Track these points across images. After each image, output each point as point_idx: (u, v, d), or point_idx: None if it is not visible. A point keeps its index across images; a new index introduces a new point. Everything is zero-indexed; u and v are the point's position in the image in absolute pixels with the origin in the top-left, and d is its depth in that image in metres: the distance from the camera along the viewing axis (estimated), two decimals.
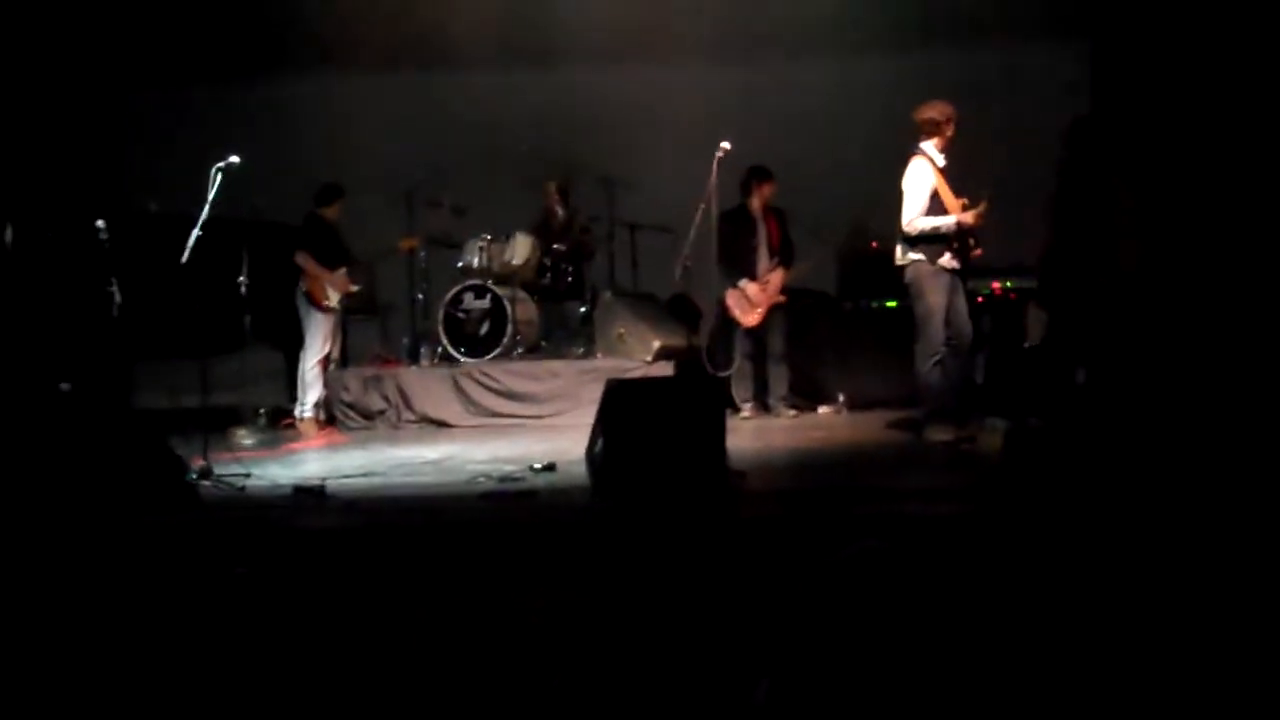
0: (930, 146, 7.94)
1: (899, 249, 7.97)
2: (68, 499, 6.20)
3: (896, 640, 4.11)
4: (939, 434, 7.89)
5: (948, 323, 7.90)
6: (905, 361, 9.61)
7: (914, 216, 7.79)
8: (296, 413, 9.92)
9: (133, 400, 9.81)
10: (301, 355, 9.96)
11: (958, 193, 7.86)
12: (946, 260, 7.83)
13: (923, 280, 7.84)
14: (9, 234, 9.57)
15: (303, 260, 9.83)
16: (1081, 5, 10.47)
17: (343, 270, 9.98)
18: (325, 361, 10.01)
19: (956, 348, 7.98)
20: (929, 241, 7.80)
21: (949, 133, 7.92)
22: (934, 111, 7.91)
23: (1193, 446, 6.34)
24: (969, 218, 7.74)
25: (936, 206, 7.80)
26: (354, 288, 10.10)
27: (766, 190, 9.75)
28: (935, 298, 7.82)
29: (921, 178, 7.83)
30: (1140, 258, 8.52)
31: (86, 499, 6.23)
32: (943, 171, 7.89)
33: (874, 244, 9.84)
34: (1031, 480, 6.20)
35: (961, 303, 7.96)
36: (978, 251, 7.98)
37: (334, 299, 9.95)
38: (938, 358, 7.86)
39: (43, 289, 9.67)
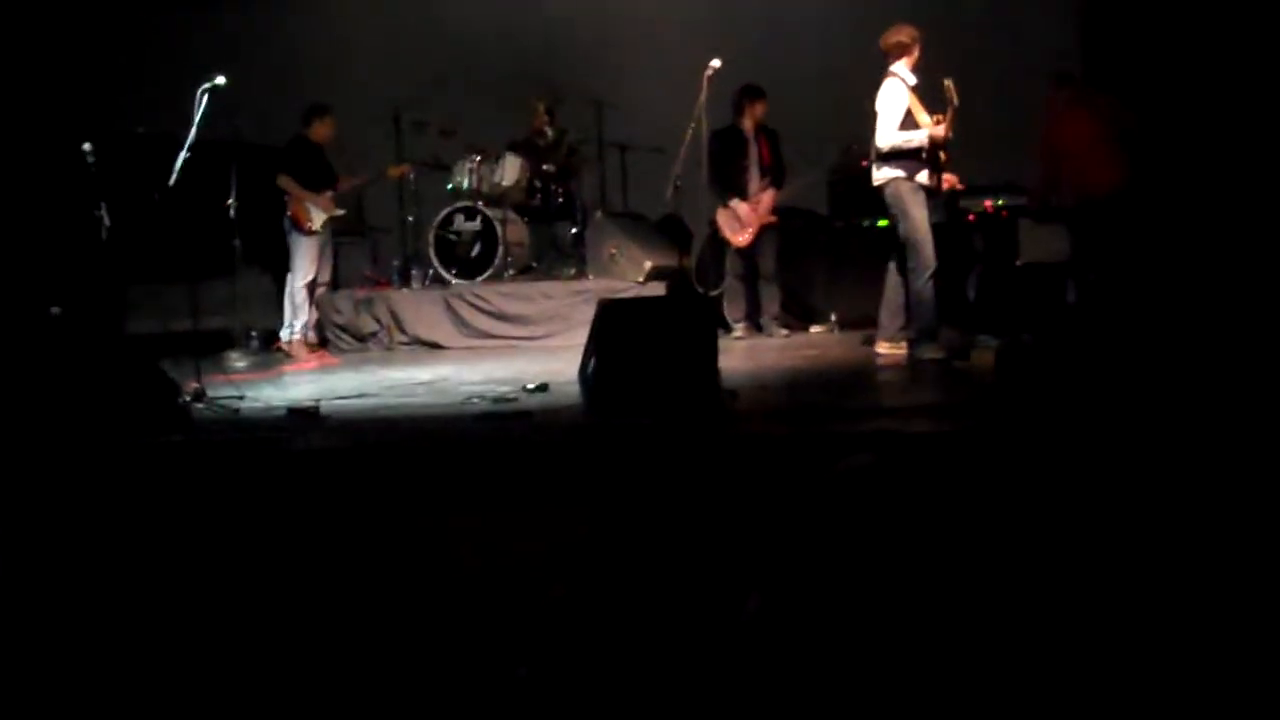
0: (901, 67, 7.99)
1: (875, 169, 8.05)
2: (61, 424, 6.21)
3: (889, 555, 4.15)
4: (930, 352, 7.90)
5: None
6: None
7: (886, 133, 7.87)
8: (283, 335, 9.88)
9: (124, 324, 9.77)
10: (288, 278, 9.91)
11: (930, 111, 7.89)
12: (924, 177, 7.90)
13: (903, 197, 7.89)
14: None
15: (285, 183, 9.74)
16: None
17: (328, 193, 9.88)
18: (313, 284, 9.95)
19: None
20: (905, 158, 7.87)
21: (916, 53, 7.99)
22: (901, 35, 8.00)
23: (1184, 362, 6.36)
24: (940, 130, 7.77)
25: (910, 126, 7.86)
26: (338, 211, 9.97)
27: (758, 109, 9.69)
28: (919, 211, 7.87)
29: (895, 97, 7.90)
30: (1130, 175, 8.50)
31: (80, 423, 6.23)
32: (914, 90, 7.94)
33: (864, 162, 9.79)
34: (1024, 396, 6.23)
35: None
36: (949, 181, 8.09)
37: (318, 221, 9.84)
38: (931, 272, 7.86)
39: (30, 213, 9.62)
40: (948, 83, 7.65)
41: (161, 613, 3.94)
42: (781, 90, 9.72)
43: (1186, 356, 6.43)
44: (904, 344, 8.02)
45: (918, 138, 7.83)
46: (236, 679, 3.39)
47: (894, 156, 7.89)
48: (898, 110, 7.87)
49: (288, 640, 3.69)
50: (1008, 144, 10.51)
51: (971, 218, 9.97)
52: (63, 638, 3.76)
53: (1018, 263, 9.48)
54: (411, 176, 10.66)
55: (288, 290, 9.92)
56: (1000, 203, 9.92)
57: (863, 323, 8.78)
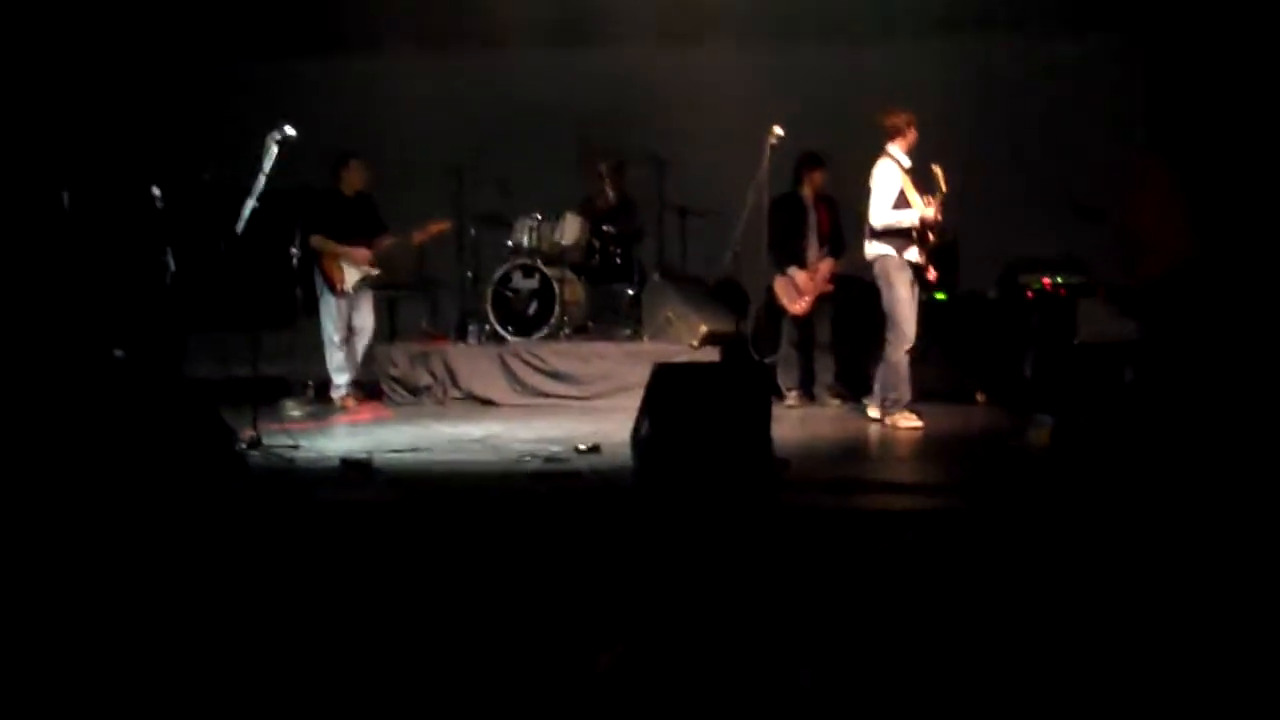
0: (896, 149, 8.50)
1: (867, 244, 8.56)
2: (119, 466, 6.27)
3: (933, 630, 4.12)
4: (906, 421, 8.41)
5: None
6: (953, 354, 9.69)
7: (879, 211, 8.37)
8: (332, 393, 9.93)
9: (185, 369, 9.88)
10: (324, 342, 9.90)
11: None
12: (912, 254, 8.41)
13: (890, 272, 8.39)
14: (66, 199, 9.66)
15: (318, 243, 9.71)
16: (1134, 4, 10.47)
17: (363, 250, 9.84)
18: (347, 340, 9.91)
19: None
20: (894, 236, 8.38)
21: (911, 136, 8.49)
22: (897, 119, 8.50)
23: (1236, 447, 6.31)
24: (930, 212, 8.26)
25: (903, 205, 8.35)
26: (373, 270, 9.89)
27: (818, 177, 9.73)
28: (903, 289, 8.38)
29: (888, 178, 8.40)
30: (1190, 257, 8.49)
31: (137, 466, 6.29)
32: (909, 172, 8.42)
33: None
34: (1078, 476, 6.19)
35: (916, 304, 8.47)
36: (932, 277, 8.59)
37: (350, 281, 9.80)
38: (909, 346, 8.38)
39: (98, 255, 9.75)
40: (936, 169, 8.27)
41: (204, 657, 3.96)
42: (843, 159, 9.74)
43: (1244, 440, 6.38)
44: (911, 414, 8.46)
45: (909, 218, 8.33)
46: None
47: (885, 234, 8.40)
48: (891, 190, 8.38)
49: (322, 689, 3.69)
50: (1068, 220, 10.53)
51: (1030, 295, 9.94)
52: (106, 677, 3.79)
53: (1075, 341, 9.44)
54: (473, 232, 10.71)
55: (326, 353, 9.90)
56: (1059, 280, 9.89)
57: (919, 396, 8.76)
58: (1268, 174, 9.30)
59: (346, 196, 9.99)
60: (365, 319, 10.04)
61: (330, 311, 9.85)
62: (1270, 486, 5.74)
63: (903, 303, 8.37)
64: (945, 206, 8.34)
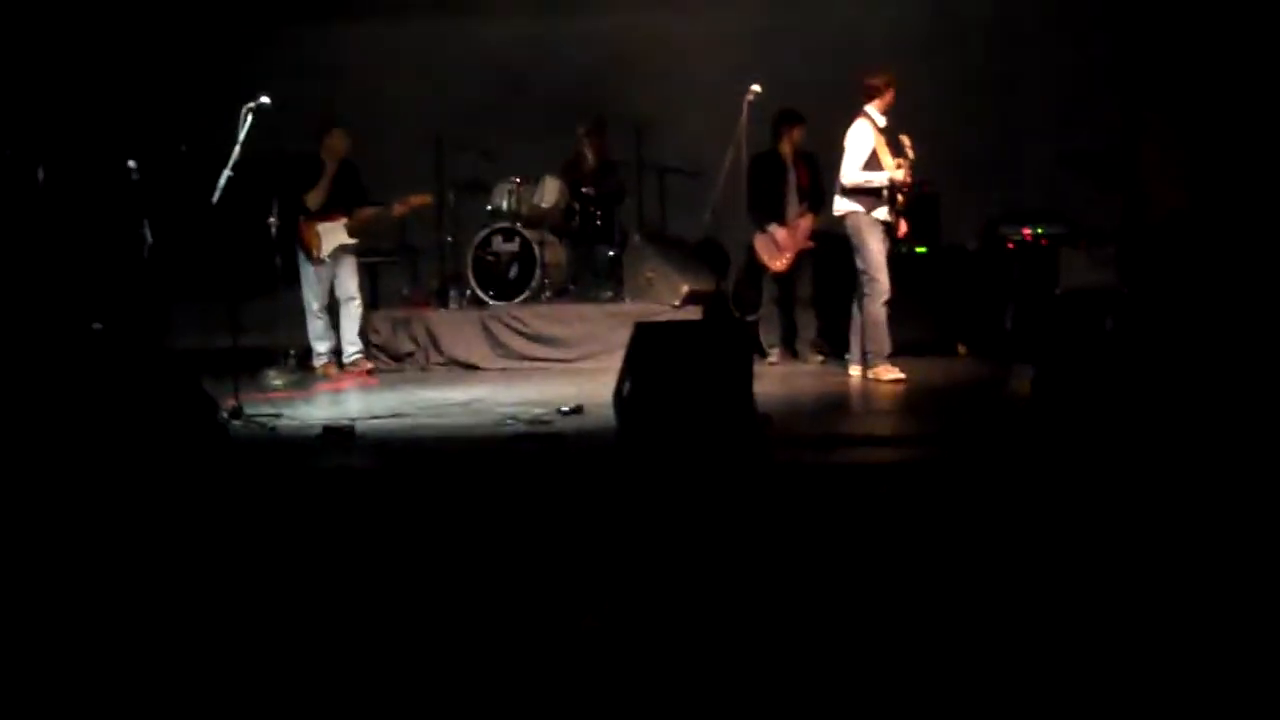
0: (873, 109, 8.59)
1: (837, 201, 8.70)
2: (100, 438, 6.26)
3: (914, 585, 4.15)
4: (889, 373, 8.48)
5: None
6: (934, 306, 9.70)
7: (850, 171, 8.50)
8: (314, 361, 9.90)
9: (165, 340, 9.85)
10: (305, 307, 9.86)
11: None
12: (881, 213, 8.52)
13: (862, 229, 8.52)
14: (41, 174, 9.61)
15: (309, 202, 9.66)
16: None
17: (340, 219, 9.75)
18: (329, 308, 9.86)
19: None
20: (865, 194, 8.51)
21: (888, 96, 8.58)
22: (876, 78, 8.60)
23: (1220, 396, 6.33)
24: (900, 174, 8.40)
25: (874, 165, 8.46)
26: (350, 240, 9.78)
27: (797, 134, 9.70)
28: (875, 244, 8.50)
29: (862, 137, 8.51)
30: (1173, 207, 8.54)
31: (118, 438, 6.28)
32: (883, 132, 8.51)
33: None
34: (1059, 425, 6.21)
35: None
36: (902, 232, 8.71)
37: (327, 249, 9.72)
38: (885, 298, 8.47)
39: (75, 229, 9.71)
40: (904, 138, 8.44)
41: (186, 627, 3.96)
42: (821, 115, 9.71)
43: (1225, 383, 6.40)
44: (893, 366, 8.55)
45: (879, 179, 8.46)
46: (255, 695, 3.41)
47: (856, 192, 8.54)
48: (864, 150, 8.50)
49: (309, 656, 3.70)
50: (1048, 172, 10.55)
51: (1010, 246, 9.95)
52: (85, 652, 3.79)
53: (1056, 291, 9.46)
54: (452, 196, 10.67)
55: (306, 318, 9.87)
56: (1040, 231, 9.91)
57: (900, 349, 8.78)
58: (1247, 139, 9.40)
59: (327, 164, 9.92)
60: (348, 287, 9.90)
61: (309, 279, 9.79)
62: (1251, 437, 5.76)
63: (874, 254, 8.48)
64: (914, 170, 8.46)
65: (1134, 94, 10.11)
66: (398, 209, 10.01)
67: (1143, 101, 9.52)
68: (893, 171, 8.40)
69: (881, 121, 8.55)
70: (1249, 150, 9.38)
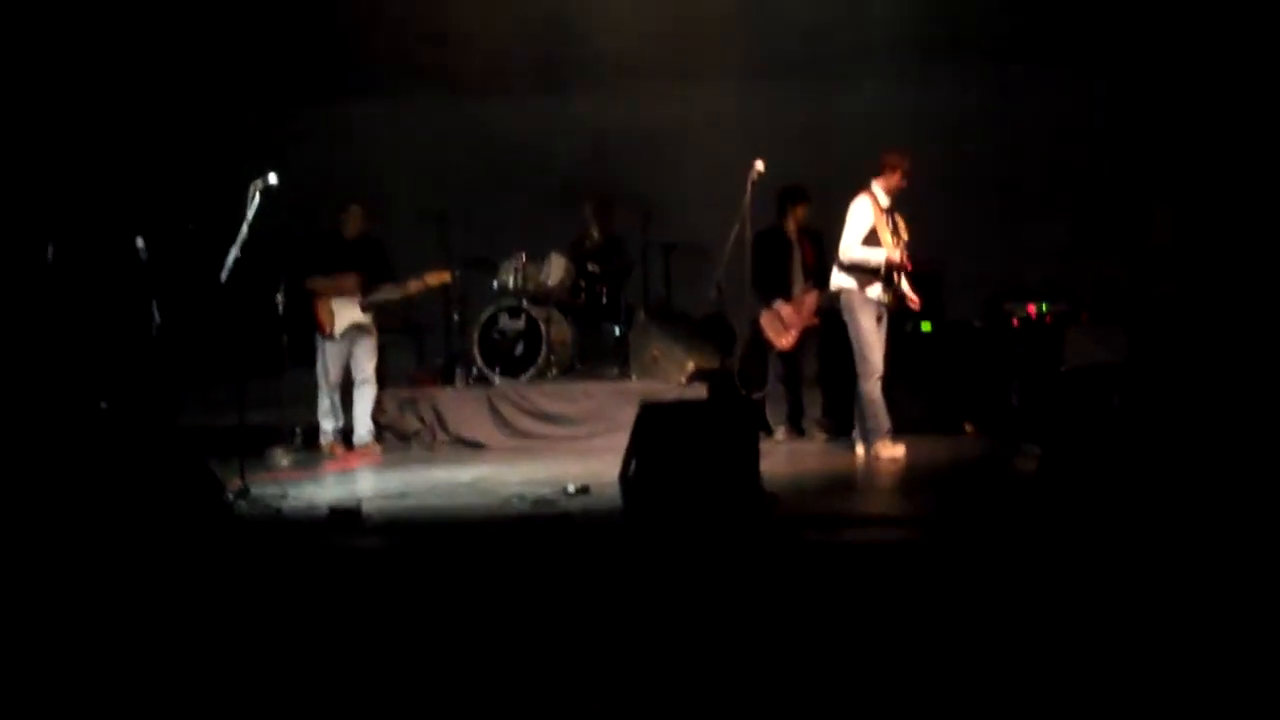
0: (878, 186, 8.58)
1: (834, 275, 8.71)
2: (105, 517, 6.25)
3: (919, 661, 4.12)
4: (888, 451, 8.49)
5: None
6: (940, 384, 9.70)
7: (849, 247, 8.48)
8: (320, 439, 9.90)
9: (172, 419, 9.85)
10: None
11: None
12: (875, 292, 8.52)
13: (854, 306, 8.54)
14: (50, 252, 9.67)
15: (313, 284, 9.68)
16: (1104, 36, 10.58)
17: (356, 297, 9.77)
18: (341, 386, 9.87)
19: None
20: (860, 271, 8.50)
21: (896, 178, 8.54)
22: (888, 156, 8.57)
23: (1226, 470, 6.32)
24: (896, 255, 8.41)
25: (873, 242, 8.45)
26: (363, 317, 9.81)
27: (801, 211, 9.75)
28: (867, 321, 8.51)
29: (862, 214, 8.51)
30: (1179, 283, 8.59)
31: (124, 518, 6.27)
32: (885, 211, 8.52)
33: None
34: (1066, 504, 6.20)
35: (883, 336, 8.61)
36: (912, 301, 8.69)
37: (340, 327, 9.74)
38: (879, 376, 8.48)
39: (83, 307, 9.74)
40: (897, 217, 8.51)
41: (191, 709, 3.94)
42: (824, 194, 9.77)
43: (1232, 462, 6.40)
44: (892, 444, 8.55)
45: (876, 257, 8.43)
46: None
47: (853, 268, 8.53)
48: (863, 225, 8.49)
49: None
50: (1054, 250, 10.60)
51: (1015, 323, 9.96)
52: None
53: (1062, 368, 9.45)
54: (458, 274, 10.69)
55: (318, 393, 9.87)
56: (1044, 308, 9.92)
57: (906, 426, 8.78)
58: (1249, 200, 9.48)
59: (347, 240, 9.97)
60: (365, 368, 9.90)
61: (322, 356, 9.80)
62: (1258, 510, 5.74)
63: (867, 333, 8.50)
64: (909, 252, 8.51)
65: (1141, 176, 10.23)
66: (414, 286, 9.99)
67: (1150, 184, 9.62)
68: (890, 251, 8.40)
69: (885, 200, 8.56)
70: (1255, 230, 9.47)
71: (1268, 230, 9.53)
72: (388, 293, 9.92)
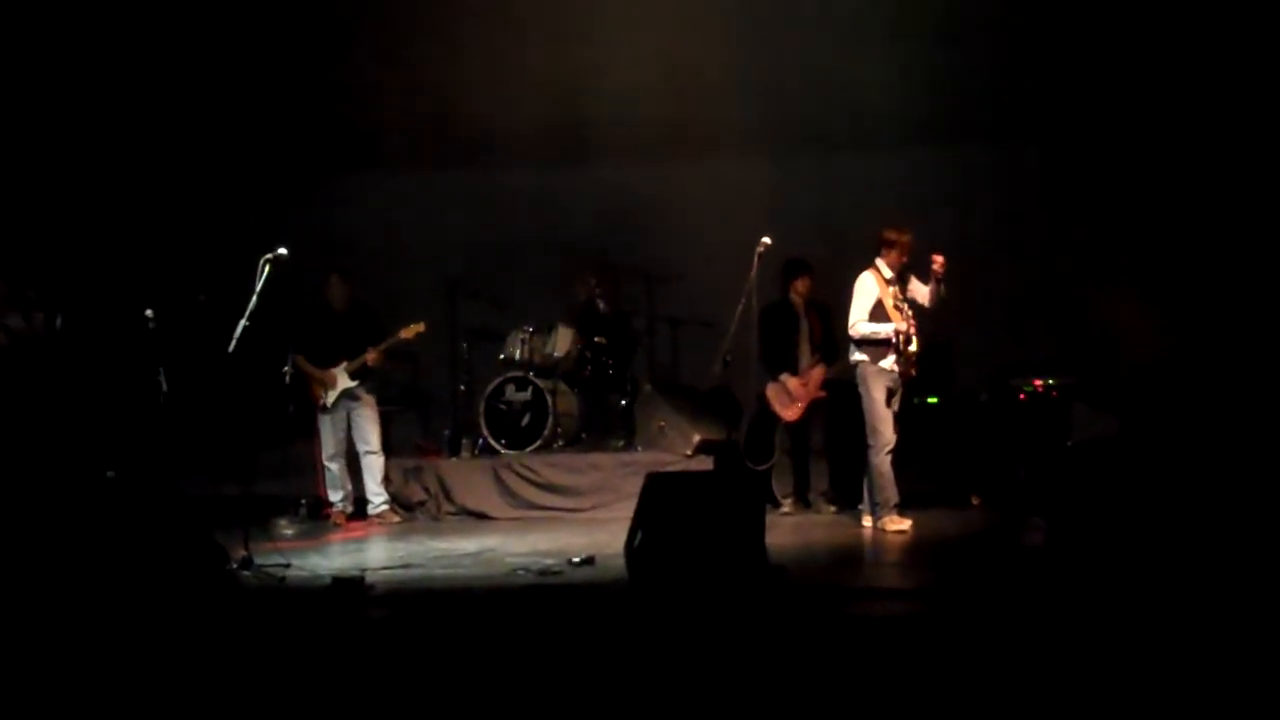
0: (882, 262, 8.73)
1: (852, 349, 8.83)
2: (110, 586, 6.24)
3: None
4: (895, 524, 8.53)
5: None
6: (947, 457, 9.69)
7: (857, 322, 8.64)
8: (326, 509, 9.89)
9: (177, 489, 9.84)
10: None
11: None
12: (887, 363, 8.63)
13: (868, 379, 8.67)
14: (59, 321, 9.70)
15: (299, 363, 9.68)
16: (1119, 111, 10.71)
17: (341, 365, 9.81)
18: (346, 456, 9.92)
19: None
20: (872, 345, 8.65)
21: (897, 252, 8.71)
22: (890, 232, 8.73)
23: (1230, 538, 6.31)
24: (904, 327, 8.54)
25: (880, 317, 8.61)
26: (350, 383, 9.82)
27: (801, 285, 9.75)
28: (879, 393, 8.63)
29: (867, 288, 8.69)
30: (1154, 353, 8.75)
31: (129, 586, 6.26)
32: (891, 282, 8.66)
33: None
34: (1073, 577, 6.18)
35: (894, 407, 8.71)
36: (911, 371, 8.70)
37: (330, 398, 9.81)
38: (889, 449, 8.56)
39: (91, 376, 9.77)
40: (911, 279, 8.67)
41: None
42: (832, 267, 9.80)
43: (1238, 536, 6.38)
44: (899, 517, 8.60)
45: (884, 330, 8.58)
46: None
47: (864, 342, 8.68)
48: (867, 301, 8.67)
49: None
50: (1057, 321, 10.63)
51: (1022, 397, 9.95)
52: None
53: (1068, 442, 9.44)
54: (465, 345, 10.68)
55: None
56: (1050, 382, 9.92)
57: (913, 499, 8.77)
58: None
59: (336, 312, 10.01)
60: (368, 438, 9.92)
61: (322, 427, 9.87)
62: (1264, 580, 5.72)
63: (877, 405, 8.60)
64: (918, 323, 8.62)
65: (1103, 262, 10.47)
66: (388, 343, 9.89)
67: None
68: (897, 324, 8.51)
69: (889, 274, 8.67)
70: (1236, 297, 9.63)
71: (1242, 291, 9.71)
72: (369, 355, 9.88)
